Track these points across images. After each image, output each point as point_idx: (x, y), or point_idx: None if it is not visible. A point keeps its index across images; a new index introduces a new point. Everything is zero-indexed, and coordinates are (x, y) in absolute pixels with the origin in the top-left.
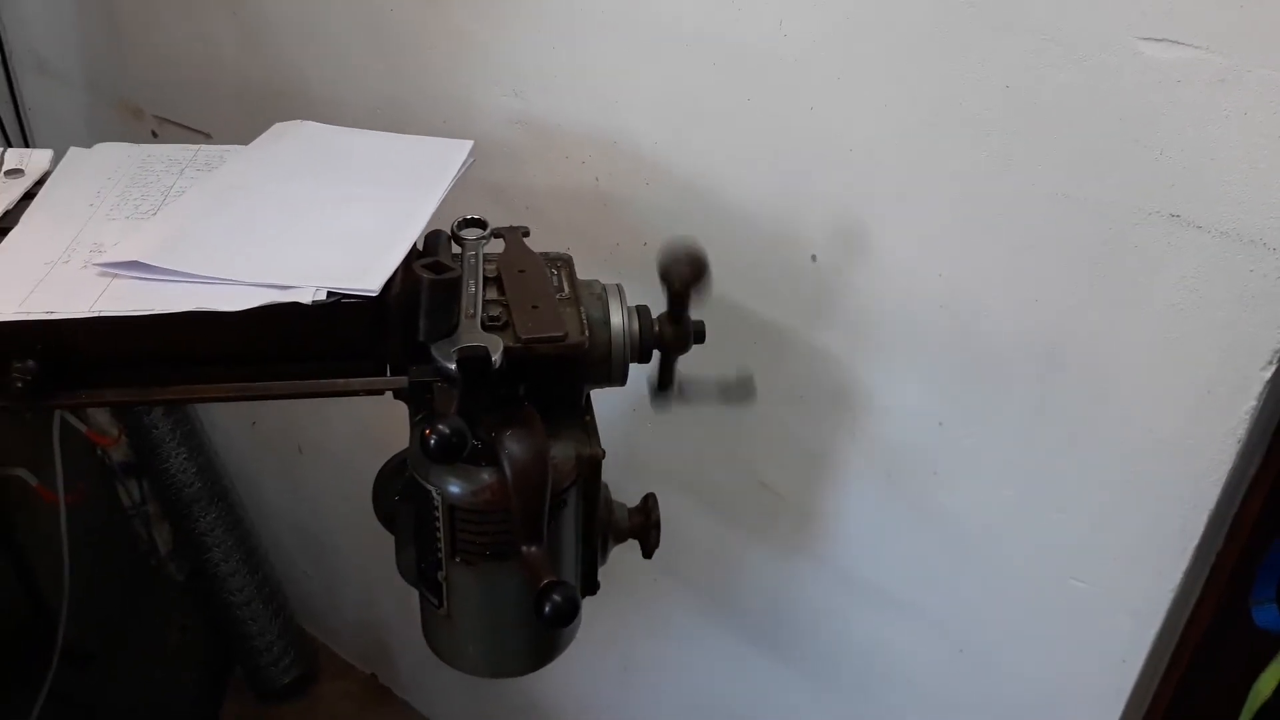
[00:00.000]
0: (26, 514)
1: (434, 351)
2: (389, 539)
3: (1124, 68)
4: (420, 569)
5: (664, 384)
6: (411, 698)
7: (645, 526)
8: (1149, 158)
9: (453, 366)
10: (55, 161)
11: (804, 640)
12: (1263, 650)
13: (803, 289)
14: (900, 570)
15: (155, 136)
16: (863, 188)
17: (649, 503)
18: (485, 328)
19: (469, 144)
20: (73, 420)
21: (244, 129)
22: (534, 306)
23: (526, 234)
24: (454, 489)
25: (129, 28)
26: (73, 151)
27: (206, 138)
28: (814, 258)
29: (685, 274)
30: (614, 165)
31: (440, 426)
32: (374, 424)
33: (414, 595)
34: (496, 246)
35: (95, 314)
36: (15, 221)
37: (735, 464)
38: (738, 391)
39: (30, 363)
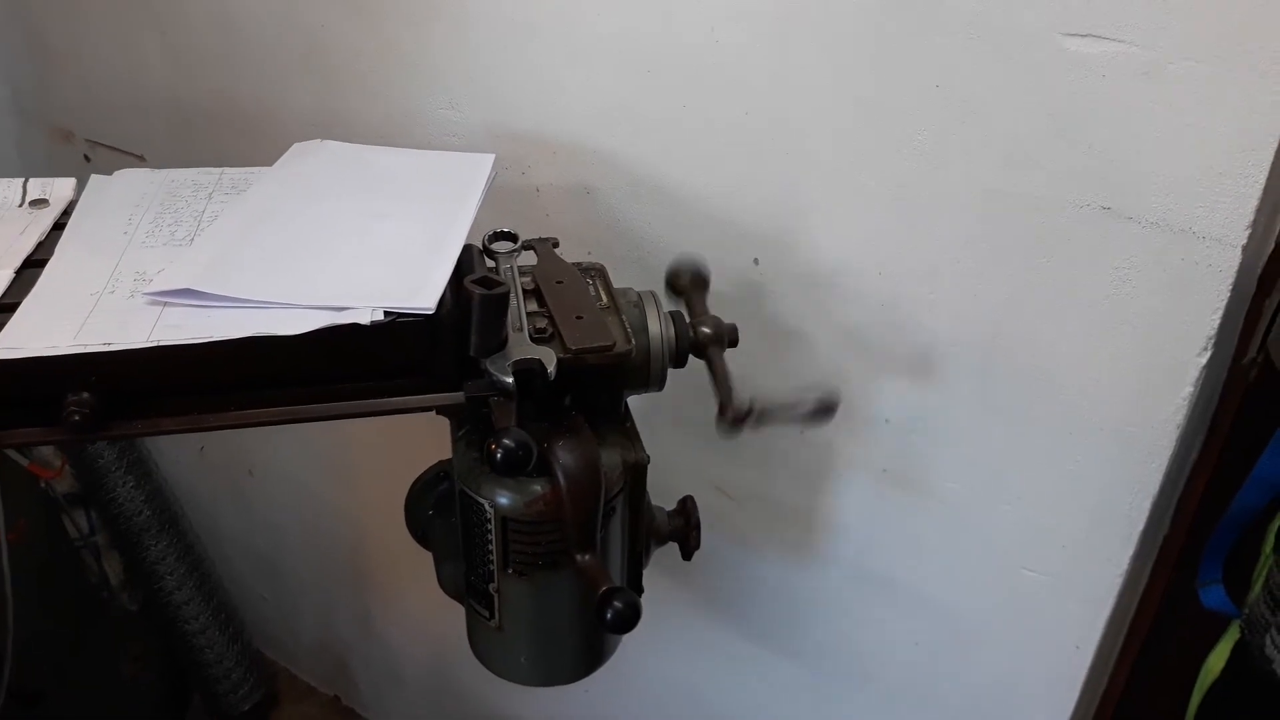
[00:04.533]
0: None
1: (489, 366)
2: (345, 559)
3: (1050, 63)
4: (469, 582)
5: (723, 399)
6: (376, 718)
7: (685, 529)
8: (1078, 151)
9: (510, 380)
10: (78, 190)
11: (761, 636)
12: (1211, 630)
13: (746, 292)
14: (852, 567)
15: (88, 161)
16: (800, 189)
17: (688, 505)
18: (533, 340)
19: (491, 158)
20: (13, 454)
21: (178, 150)
22: (578, 317)
23: (556, 244)
24: (507, 501)
25: (56, 49)
26: (94, 179)
27: (140, 160)
28: (756, 260)
29: (689, 279)
30: (554, 175)
31: (505, 440)
32: (322, 445)
33: (373, 613)
34: (527, 258)
35: (153, 344)
36: (50, 252)
37: (687, 468)
38: (818, 416)
39: (85, 395)
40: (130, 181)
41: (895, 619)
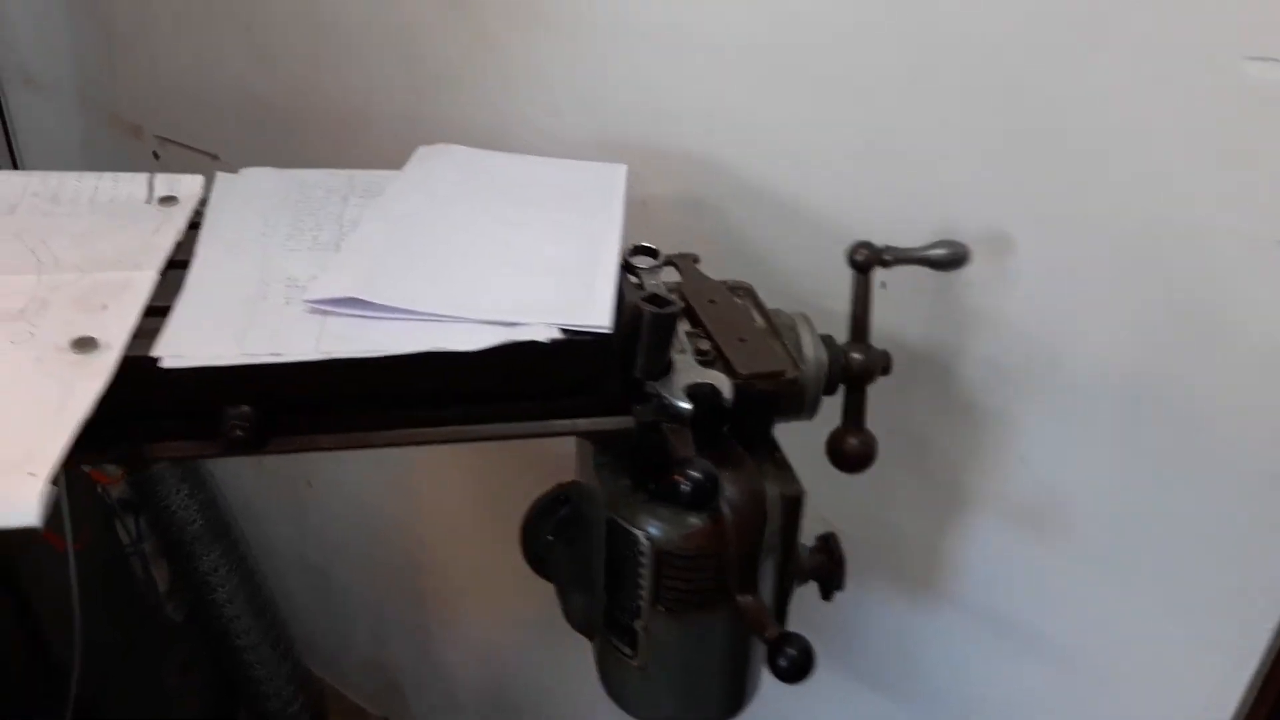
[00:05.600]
0: (32, 563)
1: (660, 389)
2: (403, 577)
3: (1227, 88)
4: (610, 616)
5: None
6: None
7: (828, 566)
8: (1253, 182)
9: (686, 406)
10: (205, 187)
11: (867, 677)
12: None
13: (874, 316)
14: (970, 609)
15: (157, 158)
16: (936, 210)
17: (831, 542)
18: (698, 363)
19: (623, 168)
20: None
21: (253, 150)
22: (741, 339)
23: (697, 260)
24: (664, 533)
25: (128, 44)
26: (221, 177)
27: (213, 159)
28: (883, 284)
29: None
30: (662, 186)
31: (693, 472)
32: (386, 459)
33: (429, 635)
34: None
35: (324, 356)
36: (190, 253)
37: None
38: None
39: (245, 409)
40: (259, 181)
41: (1015, 666)
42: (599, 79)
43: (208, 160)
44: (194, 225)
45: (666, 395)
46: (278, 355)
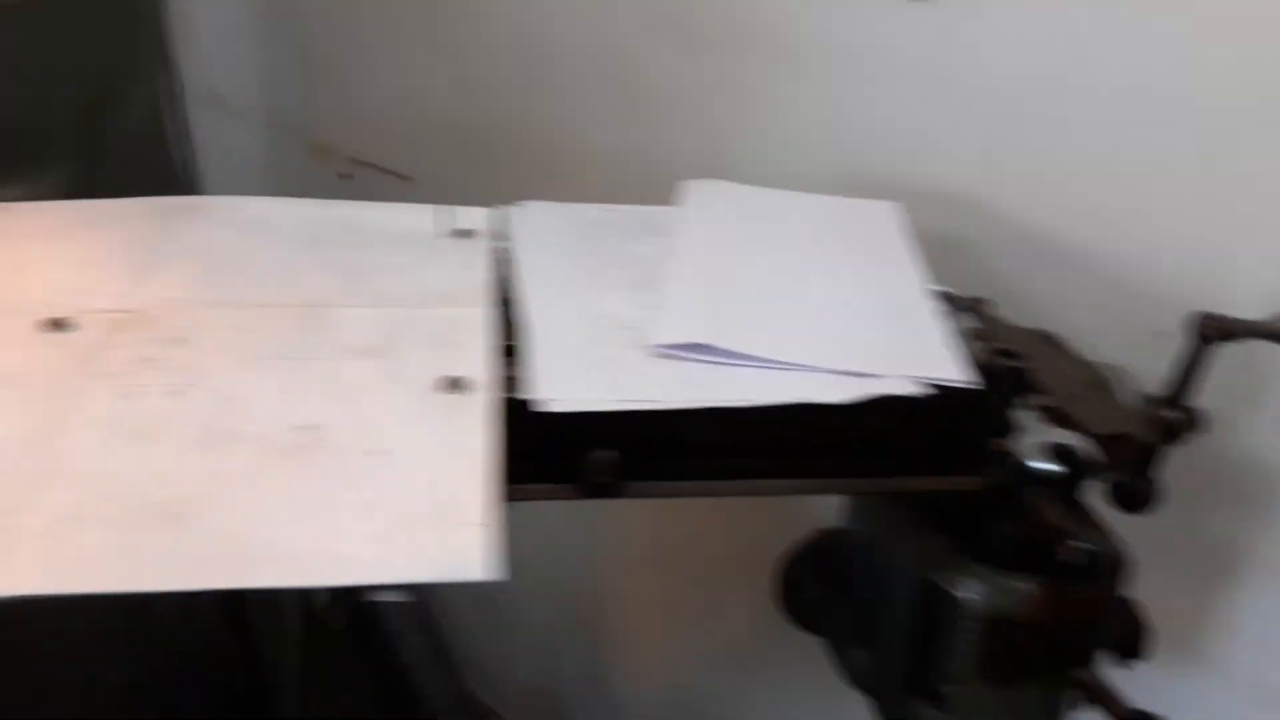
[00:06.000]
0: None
1: (1011, 448)
2: (575, 605)
3: None
4: (914, 679)
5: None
6: None
7: (1125, 633)
8: None
9: (1058, 468)
10: (490, 221)
11: None
12: None
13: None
14: (1241, 678)
15: (348, 178)
16: (1233, 263)
17: (1129, 607)
18: (1043, 421)
19: (897, 205)
20: None
21: (451, 174)
22: (1074, 394)
23: (993, 305)
24: (994, 599)
25: (325, 66)
26: (514, 212)
27: (408, 181)
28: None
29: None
30: (918, 225)
31: (1086, 545)
32: None
33: (603, 663)
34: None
35: (702, 404)
36: (508, 291)
37: None
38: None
39: (612, 454)
40: (541, 216)
41: None
42: (849, 113)
43: (401, 182)
44: (498, 261)
45: (1024, 455)
46: (656, 402)
